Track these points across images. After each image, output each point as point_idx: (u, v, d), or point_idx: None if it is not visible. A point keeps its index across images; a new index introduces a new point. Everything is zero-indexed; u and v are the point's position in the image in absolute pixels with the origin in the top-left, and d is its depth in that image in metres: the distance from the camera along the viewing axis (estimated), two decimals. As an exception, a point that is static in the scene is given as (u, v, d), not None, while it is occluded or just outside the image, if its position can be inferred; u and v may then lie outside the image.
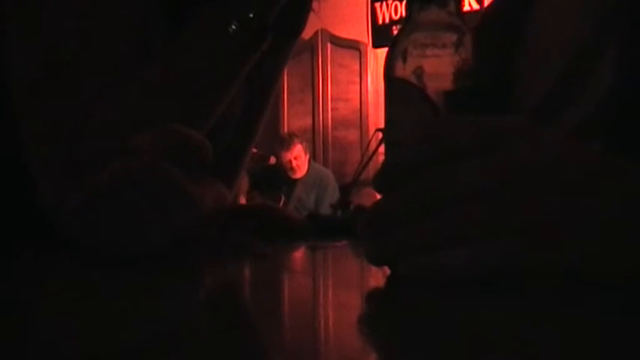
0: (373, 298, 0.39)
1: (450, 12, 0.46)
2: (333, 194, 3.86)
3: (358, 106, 4.80)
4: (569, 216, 0.37)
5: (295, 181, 4.01)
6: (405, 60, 0.46)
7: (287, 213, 0.87)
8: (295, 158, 3.98)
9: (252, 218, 0.73)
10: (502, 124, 0.39)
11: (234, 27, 0.67)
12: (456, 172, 0.37)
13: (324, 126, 4.84)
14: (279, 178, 4.01)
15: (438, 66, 0.45)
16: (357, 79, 4.82)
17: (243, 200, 3.77)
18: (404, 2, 0.94)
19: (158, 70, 0.68)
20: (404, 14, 0.58)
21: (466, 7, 4.04)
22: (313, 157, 4.39)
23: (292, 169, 3.99)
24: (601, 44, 0.54)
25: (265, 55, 0.73)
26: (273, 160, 4.04)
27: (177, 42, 0.69)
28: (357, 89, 4.82)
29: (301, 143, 4.02)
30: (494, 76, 0.55)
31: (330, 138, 4.85)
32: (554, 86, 0.56)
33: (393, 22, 4.60)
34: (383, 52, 2.19)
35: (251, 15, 0.68)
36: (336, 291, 0.44)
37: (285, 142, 4.00)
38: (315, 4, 0.80)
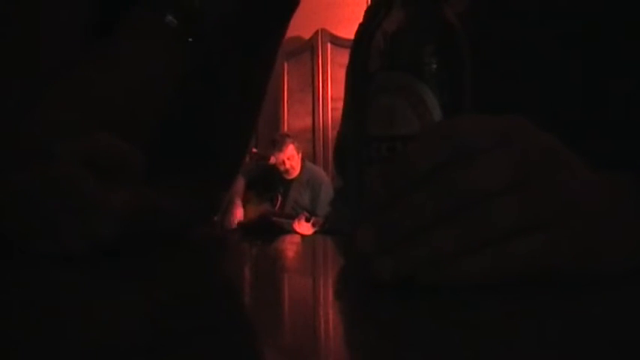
0: (373, 297, 0.38)
1: None
2: (327, 192, 3.84)
3: (358, 106, 4.80)
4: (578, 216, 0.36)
5: (290, 181, 4.00)
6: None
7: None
8: (289, 158, 3.97)
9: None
10: (518, 120, 0.37)
11: (171, 19, 0.65)
12: (479, 171, 0.35)
13: (324, 126, 4.84)
14: (275, 179, 4.00)
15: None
16: (357, 79, 4.81)
17: (238, 201, 3.76)
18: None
19: (94, 70, 0.66)
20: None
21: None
22: (313, 157, 4.39)
23: (287, 170, 3.97)
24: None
25: (255, 41, 0.71)
26: (273, 160, 4.03)
27: (114, 41, 0.67)
28: (357, 89, 4.82)
29: (293, 143, 4.00)
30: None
31: (330, 138, 4.85)
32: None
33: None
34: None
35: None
36: (335, 290, 0.44)
37: (278, 144, 3.98)
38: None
